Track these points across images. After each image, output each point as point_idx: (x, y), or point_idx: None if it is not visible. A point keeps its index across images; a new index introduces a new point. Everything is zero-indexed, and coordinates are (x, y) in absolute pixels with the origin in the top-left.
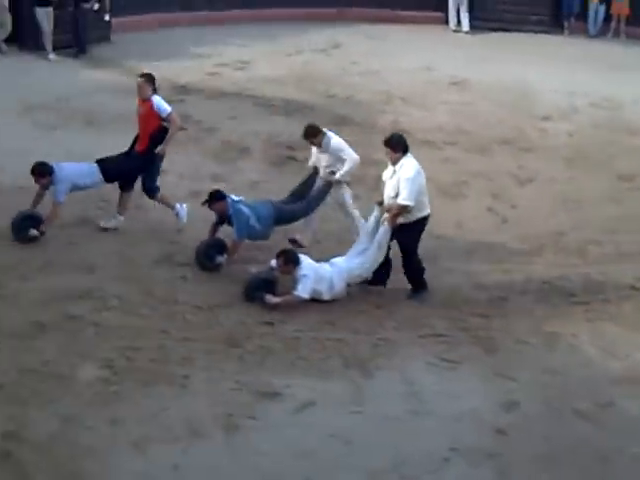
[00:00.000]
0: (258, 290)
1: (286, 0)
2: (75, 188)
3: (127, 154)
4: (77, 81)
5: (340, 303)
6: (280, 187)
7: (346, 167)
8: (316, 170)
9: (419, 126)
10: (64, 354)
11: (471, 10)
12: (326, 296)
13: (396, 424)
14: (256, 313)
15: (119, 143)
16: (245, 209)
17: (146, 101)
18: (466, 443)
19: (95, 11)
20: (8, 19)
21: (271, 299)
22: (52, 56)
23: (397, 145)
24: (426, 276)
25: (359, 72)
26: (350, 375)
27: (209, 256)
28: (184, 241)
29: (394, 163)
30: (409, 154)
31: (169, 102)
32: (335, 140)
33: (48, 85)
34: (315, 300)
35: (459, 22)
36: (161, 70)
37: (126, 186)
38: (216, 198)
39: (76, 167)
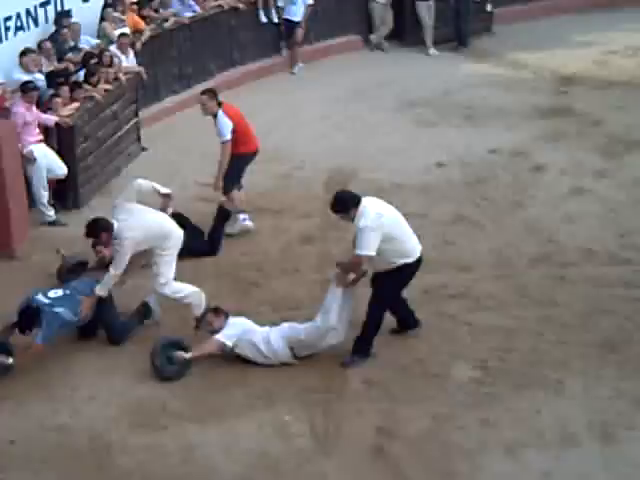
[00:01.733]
0: (167, 355)
1: None
2: None
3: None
4: (457, 75)
5: None
6: None
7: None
8: None
9: None
10: (437, 353)
11: None
12: (263, 347)
13: None
14: (638, 317)
15: (498, 138)
16: (61, 311)
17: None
18: None
19: (477, 2)
20: (390, 16)
21: (182, 354)
22: (432, 51)
23: (343, 205)
24: None
25: None
26: None
27: None
28: (564, 240)
29: (354, 221)
30: (363, 202)
31: (553, 93)
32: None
33: (428, 80)
34: None
35: None
36: (544, 61)
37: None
38: (28, 323)
39: None
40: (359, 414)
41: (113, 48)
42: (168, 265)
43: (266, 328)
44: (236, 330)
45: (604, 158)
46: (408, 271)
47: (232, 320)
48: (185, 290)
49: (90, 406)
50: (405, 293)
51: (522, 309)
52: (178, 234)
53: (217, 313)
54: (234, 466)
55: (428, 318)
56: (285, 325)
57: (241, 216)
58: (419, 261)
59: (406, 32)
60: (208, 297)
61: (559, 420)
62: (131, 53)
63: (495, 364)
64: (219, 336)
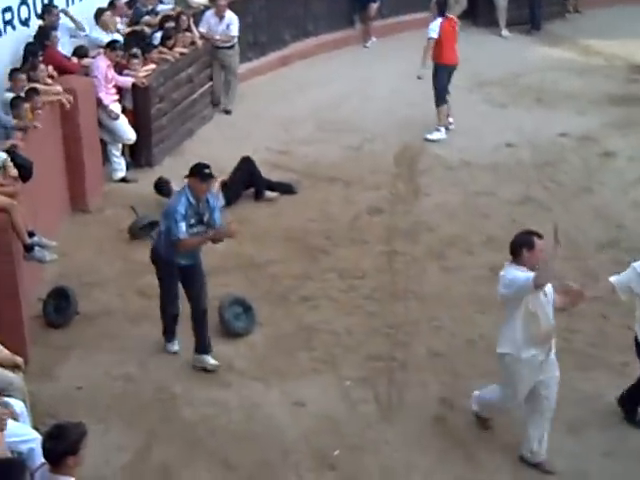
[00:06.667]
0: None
1: None
2: None
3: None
4: (529, 58)
5: None
6: None
7: None
8: None
9: None
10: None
11: None
12: None
13: None
14: None
15: (568, 122)
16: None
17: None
18: None
19: None
20: None
21: None
22: (505, 32)
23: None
24: None
25: None
26: None
27: None
28: (632, 226)
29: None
30: None
31: (624, 81)
32: None
33: (500, 62)
34: None
35: None
36: (617, 49)
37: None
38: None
39: None
40: (422, 385)
41: (209, 13)
42: None
43: None
44: None
45: None
46: None
47: None
48: None
49: (157, 359)
50: (470, 270)
51: (588, 292)
52: None
53: None
54: (296, 426)
55: (494, 295)
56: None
57: (442, 129)
58: None
59: (479, 13)
60: (276, 260)
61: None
62: (226, 17)
63: (559, 344)
64: None
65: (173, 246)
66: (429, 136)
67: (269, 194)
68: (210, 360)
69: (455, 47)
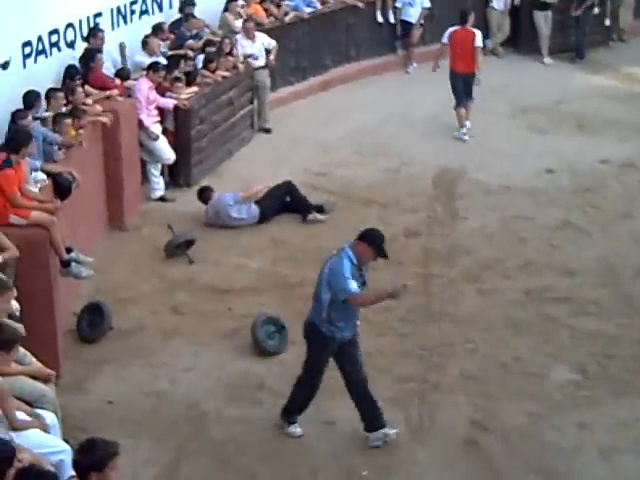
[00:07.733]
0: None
1: None
2: None
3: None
4: (571, 85)
5: None
6: None
7: None
8: None
9: None
10: (537, 353)
11: None
12: None
13: None
14: None
15: (610, 149)
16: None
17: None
18: None
19: (595, 16)
20: (507, 23)
21: None
22: (547, 60)
23: None
24: None
25: None
26: None
27: None
28: None
29: None
30: None
31: None
32: None
33: (542, 88)
34: None
35: None
36: None
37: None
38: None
39: None
40: (454, 406)
41: (239, 36)
42: None
43: None
44: None
45: None
46: None
47: None
48: None
49: (189, 376)
50: (506, 293)
51: (625, 317)
52: None
53: None
54: (327, 446)
55: (529, 319)
56: None
57: (463, 130)
58: None
59: (522, 40)
60: (311, 280)
61: None
62: (258, 38)
63: (595, 369)
64: None
65: (340, 320)
66: (454, 134)
67: (317, 216)
68: (389, 431)
69: (466, 57)
